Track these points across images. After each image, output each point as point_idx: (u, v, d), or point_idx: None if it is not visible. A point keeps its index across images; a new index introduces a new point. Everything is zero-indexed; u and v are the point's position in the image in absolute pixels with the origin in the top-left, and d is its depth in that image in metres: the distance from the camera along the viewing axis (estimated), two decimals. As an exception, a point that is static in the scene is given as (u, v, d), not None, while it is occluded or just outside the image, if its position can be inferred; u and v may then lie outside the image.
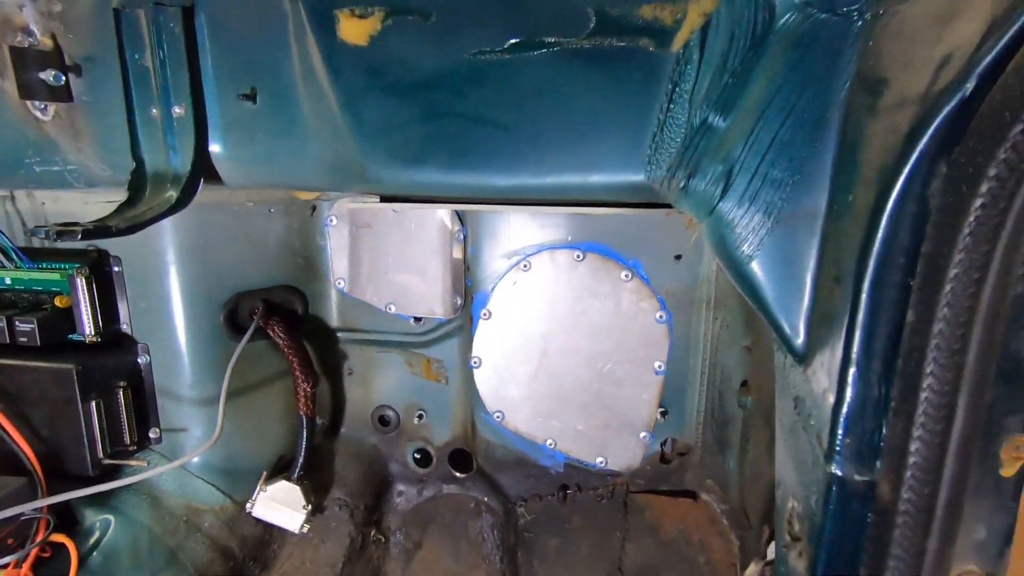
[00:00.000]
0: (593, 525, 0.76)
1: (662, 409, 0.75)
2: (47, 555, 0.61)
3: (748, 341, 0.67)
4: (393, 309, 0.81)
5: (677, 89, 0.36)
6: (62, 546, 0.62)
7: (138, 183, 0.47)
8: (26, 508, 0.57)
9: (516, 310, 0.76)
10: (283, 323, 0.76)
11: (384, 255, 0.80)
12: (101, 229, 0.44)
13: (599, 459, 0.78)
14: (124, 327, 0.71)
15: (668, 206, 0.41)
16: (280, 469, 0.82)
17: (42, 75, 0.46)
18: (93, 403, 0.65)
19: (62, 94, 0.48)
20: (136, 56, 0.45)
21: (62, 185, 0.54)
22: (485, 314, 0.77)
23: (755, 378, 0.65)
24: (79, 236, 0.43)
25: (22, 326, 0.64)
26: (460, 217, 0.76)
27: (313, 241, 0.81)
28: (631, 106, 0.37)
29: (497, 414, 0.78)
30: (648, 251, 0.70)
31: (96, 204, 0.68)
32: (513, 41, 0.36)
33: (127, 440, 0.70)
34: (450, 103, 0.39)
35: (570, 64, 0.37)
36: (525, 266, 0.74)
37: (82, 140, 0.50)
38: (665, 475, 0.77)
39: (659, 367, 0.74)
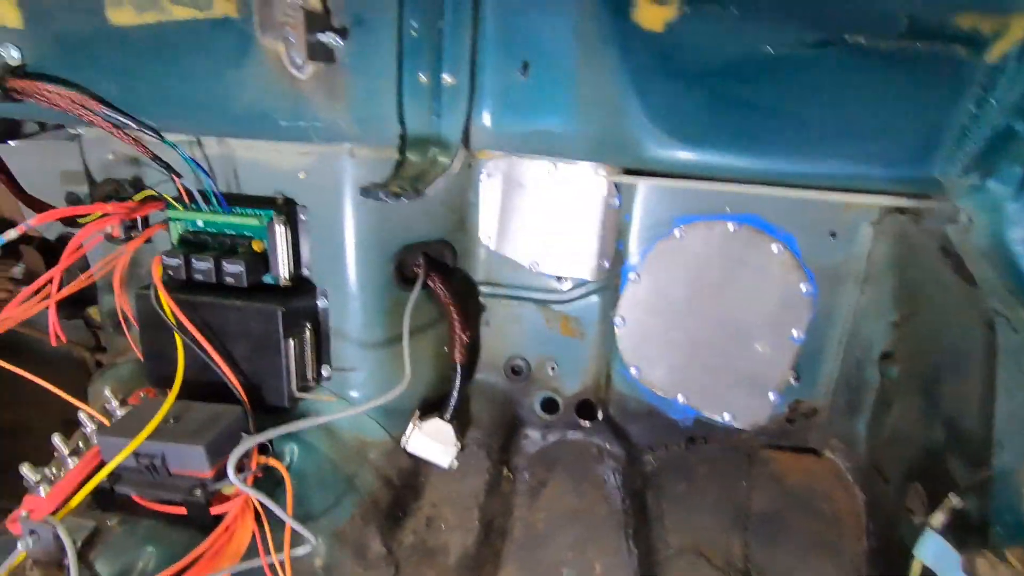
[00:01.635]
0: (719, 473, 0.83)
1: (794, 374, 0.81)
2: (260, 475, 0.68)
3: (896, 316, 0.72)
4: (537, 267, 0.86)
5: (987, 95, 0.39)
6: (269, 468, 0.69)
7: (402, 146, 0.51)
8: (267, 437, 0.63)
9: (664, 275, 0.80)
10: (442, 276, 0.81)
11: (533, 214, 0.84)
12: (408, 191, 0.47)
13: (727, 415, 0.84)
14: (306, 272, 0.76)
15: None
16: (425, 409, 0.89)
17: (322, 37, 0.49)
18: (291, 341, 0.71)
19: (330, 55, 0.51)
20: (413, 22, 0.48)
21: (300, 139, 0.57)
22: (634, 278, 0.81)
23: (903, 350, 0.70)
24: (400, 197, 0.47)
25: (230, 267, 0.68)
26: (616, 185, 0.79)
27: (466, 197, 0.84)
28: (932, 107, 0.40)
29: (634, 369, 0.84)
30: (803, 227, 0.74)
31: (290, 154, 0.71)
32: (816, 38, 0.39)
33: (309, 376, 0.76)
34: (742, 91, 0.42)
35: (872, 63, 0.40)
36: (679, 235, 0.78)
37: (337, 99, 0.53)
38: (788, 433, 0.84)
39: (797, 335, 0.79)
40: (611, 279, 0.84)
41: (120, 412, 0.74)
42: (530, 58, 0.47)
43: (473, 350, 0.94)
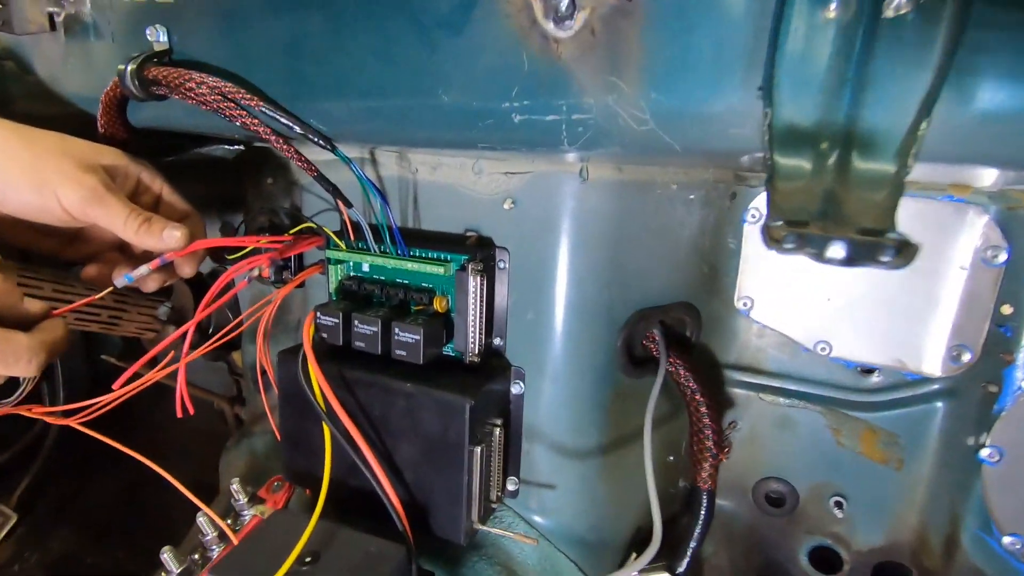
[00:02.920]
0: None
1: None
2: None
3: None
4: (828, 351, 0.56)
5: None
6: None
7: (769, 143, 0.26)
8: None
9: (1089, 385, 0.47)
10: (686, 358, 0.55)
11: (827, 271, 0.55)
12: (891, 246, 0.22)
13: None
14: (498, 343, 0.53)
15: None
16: (637, 545, 0.62)
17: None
18: (478, 449, 0.48)
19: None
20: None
21: (540, 145, 0.35)
22: (1026, 385, 0.49)
23: None
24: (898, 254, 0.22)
25: (403, 335, 0.47)
26: (1003, 229, 0.48)
27: (723, 243, 0.58)
28: None
29: (1012, 539, 0.50)
30: None
31: (495, 175, 0.50)
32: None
33: (493, 495, 0.52)
34: None
35: None
36: None
37: (625, 71, 0.30)
38: None
39: None
40: (970, 381, 0.52)
41: (248, 512, 0.56)
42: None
43: (707, 461, 0.66)
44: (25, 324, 0.45)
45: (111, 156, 0.52)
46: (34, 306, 0.46)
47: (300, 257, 0.63)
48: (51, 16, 0.55)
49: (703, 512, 0.55)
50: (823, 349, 0.56)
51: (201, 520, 0.52)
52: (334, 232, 0.54)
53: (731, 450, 0.59)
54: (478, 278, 0.48)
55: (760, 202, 0.56)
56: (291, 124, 0.44)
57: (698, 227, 0.55)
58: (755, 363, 0.61)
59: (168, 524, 0.80)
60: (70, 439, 0.98)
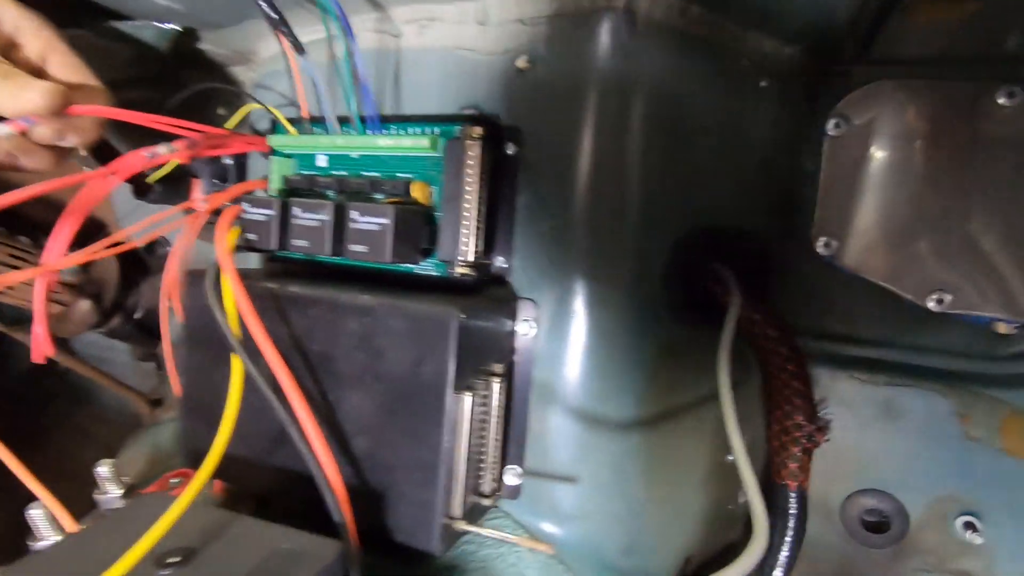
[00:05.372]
0: None
1: None
2: None
3: None
4: (947, 303, 0.41)
5: None
6: None
7: None
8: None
9: None
10: (766, 306, 0.39)
11: (948, 200, 0.41)
12: None
13: None
14: (501, 264, 0.38)
15: None
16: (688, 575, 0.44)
17: None
18: (467, 398, 0.31)
19: None
20: None
21: None
22: None
23: None
24: None
25: (364, 220, 0.32)
26: None
27: (797, 162, 0.44)
28: None
29: None
30: None
31: (504, 24, 0.36)
32: None
33: (486, 485, 0.35)
34: None
35: None
36: None
37: None
38: None
39: None
40: None
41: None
42: None
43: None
44: None
45: None
46: None
47: (241, 175, 0.49)
48: None
49: (791, 522, 0.38)
50: (938, 302, 0.41)
51: (33, 514, 0.33)
52: (286, 118, 0.40)
53: (829, 433, 0.42)
54: (479, 151, 0.33)
55: (849, 106, 0.43)
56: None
57: (770, 131, 0.42)
58: (843, 328, 0.45)
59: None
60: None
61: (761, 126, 0.41)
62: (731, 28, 0.37)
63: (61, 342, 0.81)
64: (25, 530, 0.36)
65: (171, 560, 0.25)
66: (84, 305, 0.68)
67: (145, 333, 0.75)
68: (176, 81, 0.63)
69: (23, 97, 0.34)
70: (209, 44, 0.52)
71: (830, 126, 0.43)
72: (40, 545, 0.34)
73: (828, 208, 0.44)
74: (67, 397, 0.94)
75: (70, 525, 0.32)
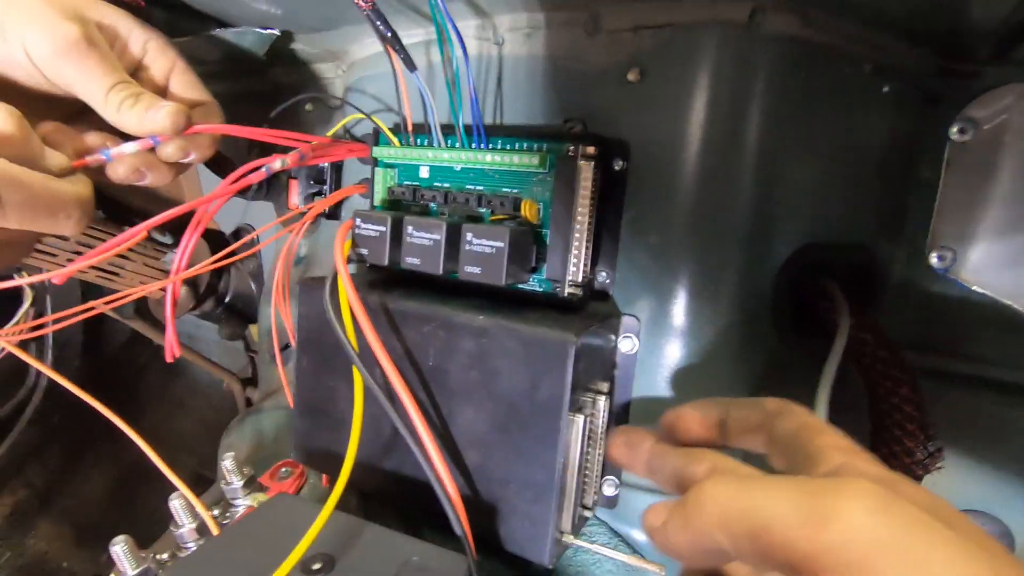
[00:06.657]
0: None
1: None
2: None
3: None
4: (1076, 324, 0.39)
5: None
6: None
7: None
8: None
9: None
10: (875, 323, 0.38)
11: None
12: None
13: None
14: (603, 278, 0.38)
15: None
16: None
17: None
18: (581, 420, 0.32)
19: None
20: None
21: None
22: None
23: None
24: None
25: (481, 245, 0.32)
26: None
27: (912, 168, 0.42)
28: None
29: None
30: None
31: (613, 34, 0.35)
32: None
33: (590, 498, 0.36)
34: None
35: None
36: None
37: None
38: None
39: None
40: None
41: (242, 501, 0.41)
42: None
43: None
44: None
45: (110, 13, 0.39)
46: (57, 159, 0.34)
47: (338, 177, 0.50)
48: None
49: None
50: (1067, 322, 0.39)
51: (175, 505, 0.37)
52: (389, 128, 0.41)
53: (941, 460, 0.41)
54: (591, 171, 0.33)
55: (978, 109, 0.40)
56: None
57: (887, 138, 0.40)
58: (953, 344, 0.43)
59: (161, 526, 0.66)
60: (58, 415, 0.86)
61: (879, 133, 0.39)
62: (857, 32, 0.35)
63: (155, 322, 0.86)
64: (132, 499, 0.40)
65: (315, 567, 0.28)
66: (183, 291, 0.72)
67: (235, 315, 0.80)
68: (263, 75, 0.65)
69: (152, 118, 0.36)
70: (301, 44, 0.53)
71: (954, 131, 0.40)
72: (180, 532, 0.37)
73: (946, 218, 0.42)
74: (159, 369, 1.01)
75: (212, 524, 0.34)
